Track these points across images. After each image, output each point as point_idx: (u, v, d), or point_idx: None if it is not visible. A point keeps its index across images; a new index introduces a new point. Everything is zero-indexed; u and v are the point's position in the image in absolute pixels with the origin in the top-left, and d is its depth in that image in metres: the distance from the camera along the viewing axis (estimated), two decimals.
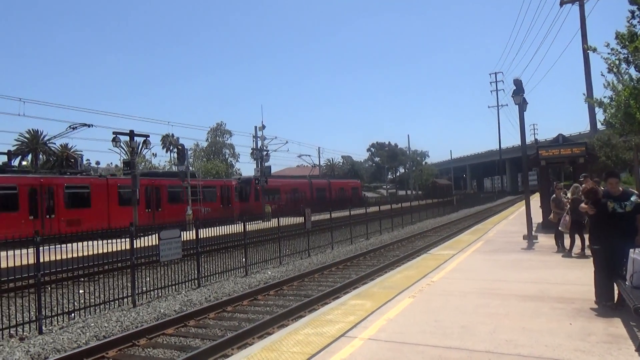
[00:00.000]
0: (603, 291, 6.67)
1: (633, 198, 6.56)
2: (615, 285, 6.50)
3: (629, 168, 33.69)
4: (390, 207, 31.43)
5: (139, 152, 46.37)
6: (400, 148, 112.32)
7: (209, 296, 12.00)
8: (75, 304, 10.75)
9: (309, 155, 48.40)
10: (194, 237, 13.97)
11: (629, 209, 6.49)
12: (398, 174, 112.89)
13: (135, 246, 11.66)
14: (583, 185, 10.55)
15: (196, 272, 13.37)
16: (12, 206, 22.44)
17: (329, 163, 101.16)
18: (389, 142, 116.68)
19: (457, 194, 77.92)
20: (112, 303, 10.94)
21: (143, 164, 53.73)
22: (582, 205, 7.40)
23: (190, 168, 48.40)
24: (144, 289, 11.94)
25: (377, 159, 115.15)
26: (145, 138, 26.52)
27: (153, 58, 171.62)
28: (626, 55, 10.76)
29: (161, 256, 11.93)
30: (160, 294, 12.04)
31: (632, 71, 10.68)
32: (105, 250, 12.22)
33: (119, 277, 12.69)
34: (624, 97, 10.04)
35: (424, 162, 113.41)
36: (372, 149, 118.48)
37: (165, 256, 12.03)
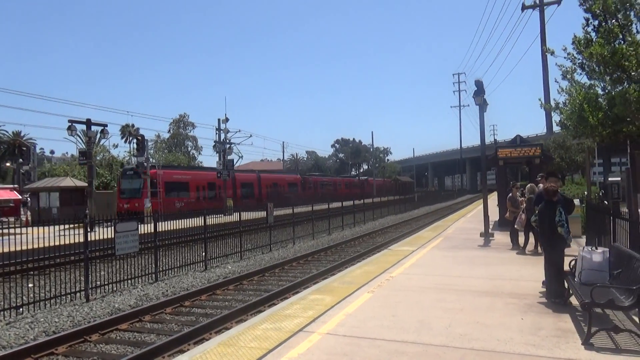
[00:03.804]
0: (553, 288, 6.92)
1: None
2: (565, 282, 6.76)
3: (581, 170, 35.12)
4: (352, 203, 31.63)
5: (97, 142, 44.91)
6: (364, 145, 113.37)
7: (167, 291, 11.75)
8: (24, 298, 10.33)
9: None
10: (152, 231, 13.61)
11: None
12: (361, 170, 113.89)
13: (89, 238, 11.26)
14: (540, 185, 10.89)
15: (154, 266, 13.06)
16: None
17: (293, 158, 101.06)
18: (353, 139, 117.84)
19: (418, 191, 79.29)
20: (64, 297, 10.53)
21: (102, 154, 52.03)
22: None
23: (151, 160, 47.24)
24: (98, 283, 11.56)
25: (341, 155, 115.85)
26: (103, 127, 25.65)
27: (112, 45, 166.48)
28: (581, 61, 11.14)
29: (117, 249, 11.58)
30: (115, 288, 11.69)
31: (584, 79, 11.08)
32: (57, 243, 11.76)
33: (72, 271, 12.25)
34: (578, 100, 10.41)
35: (386, 159, 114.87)
36: (336, 144, 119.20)
37: (122, 249, 11.68)
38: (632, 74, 8.79)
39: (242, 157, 42.63)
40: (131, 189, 29.53)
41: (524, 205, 12.01)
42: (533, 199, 8.77)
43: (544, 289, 7.55)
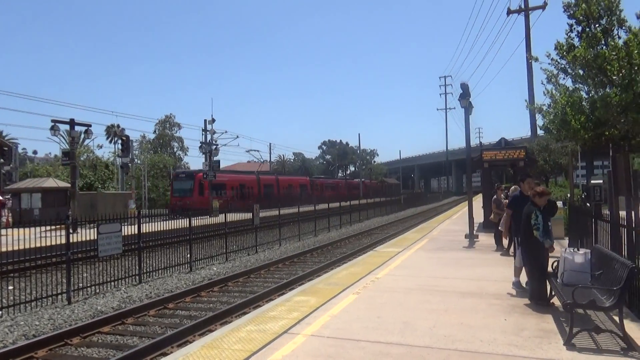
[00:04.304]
0: (535, 289, 6.98)
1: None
2: (547, 283, 6.82)
3: (565, 172, 35.57)
4: (339, 204, 31.66)
5: (81, 142, 44.39)
6: (350, 146, 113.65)
7: (150, 293, 11.62)
8: (4, 301, 10.13)
9: (258, 151, 50.74)
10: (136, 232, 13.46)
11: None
12: (348, 171, 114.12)
13: (72, 240, 11.09)
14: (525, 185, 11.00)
15: (137, 267, 12.91)
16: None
17: (280, 159, 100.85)
18: (340, 140, 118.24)
19: (404, 193, 79.65)
20: (45, 300, 10.35)
21: (86, 154, 51.43)
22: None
23: (136, 160, 46.79)
24: (81, 285, 11.38)
25: (328, 156, 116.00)
26: (87, 127, 25.29)
27: (97, 44, 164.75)
28: (564, 65, 11.27)
29: (100, 251, 11.42)
30: (98, 291, 11.53)
31: (569, 82, 11.19)
32: (39, 244, 11.57)
33: (54, 273, 12.06)
34: (561, 104, 10.52)
35: (373, 161, 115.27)
36: (323, 146, 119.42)
37: (105, 251, 11.53)
38: (614, 77, 8.91)
39: (263, 161, 45.15)
40: (182, 189, 36.67)
41: None
42: (509, 202, 8.82)
43: (514, 290, 7.68)
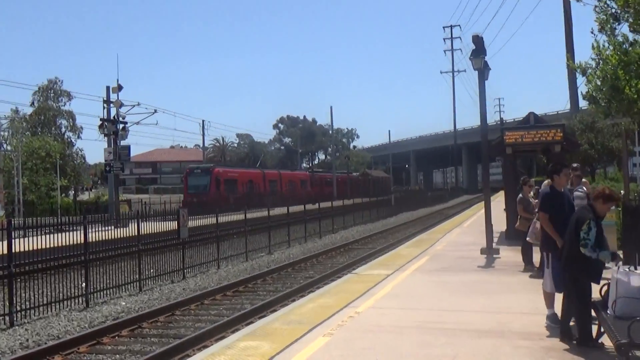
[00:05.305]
0: (579, 325, 7.10)
1: None
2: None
3: (617, 160, 36.25)
4: (303, 208, 31.68)
5: None
6: (319, 125, 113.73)
7: (27, 340, 11.42)
8: None
9: (156, 123, 50.46)
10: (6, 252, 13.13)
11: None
12: (317, 160, 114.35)
13: None
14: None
15: (7, 304, 12.61)
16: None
17: (218, 143, 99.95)
18: (304, 117, 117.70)
19: (396, 190, 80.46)
20: None
21: None
22: None
23: (5, 146, 45.56)
24: None
25: (287, 139, 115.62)
26: None
27: None
28: (615, 11, 11.53)
29: None
30: None
31: (625, 29, 11.43)
32: None
33: None
34: (612, 64, 10.75)
35: (352, 146, 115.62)
36: (280, 125, 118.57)
37: None
38: None
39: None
40: (197, 185, 47.49)
41: None
42: (541, 203, 8.87)
43: (546, 325, 7.84)
